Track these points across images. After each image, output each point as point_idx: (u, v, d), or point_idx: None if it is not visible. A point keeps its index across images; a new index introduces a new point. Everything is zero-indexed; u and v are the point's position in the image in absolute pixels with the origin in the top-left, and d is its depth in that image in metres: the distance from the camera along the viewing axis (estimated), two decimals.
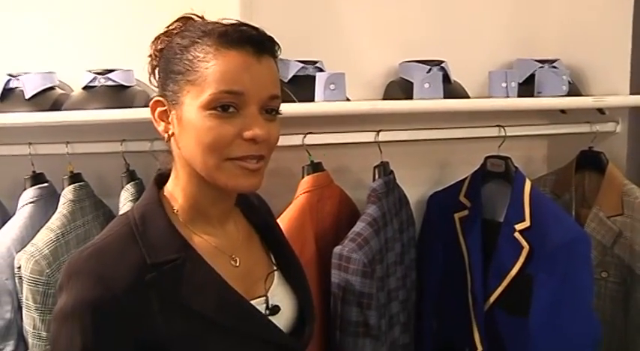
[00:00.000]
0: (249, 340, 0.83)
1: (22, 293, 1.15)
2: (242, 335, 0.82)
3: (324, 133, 1.40)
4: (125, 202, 1.28)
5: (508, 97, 1.44)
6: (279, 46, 0.84)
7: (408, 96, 1.45)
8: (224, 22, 0.82)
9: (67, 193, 1.28)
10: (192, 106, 0.79)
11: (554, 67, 1.54)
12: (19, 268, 1.14)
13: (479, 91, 1.61)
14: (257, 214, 1.01)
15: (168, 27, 0.87)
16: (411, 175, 1.57)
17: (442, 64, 1.50)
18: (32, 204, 1.30)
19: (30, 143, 1.33)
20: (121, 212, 1.26)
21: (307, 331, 0.93)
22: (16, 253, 1.19)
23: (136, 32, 1.43)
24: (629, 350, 1.43)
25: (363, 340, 1.18)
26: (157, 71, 0.87)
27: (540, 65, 1.54)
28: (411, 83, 1.46)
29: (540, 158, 1.80)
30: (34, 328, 1.14)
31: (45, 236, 1.17)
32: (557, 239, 1.30)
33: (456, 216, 1.53)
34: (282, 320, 0.90)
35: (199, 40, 0.80)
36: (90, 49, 1.46)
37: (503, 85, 1.44)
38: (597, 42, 1.59)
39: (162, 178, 0.90)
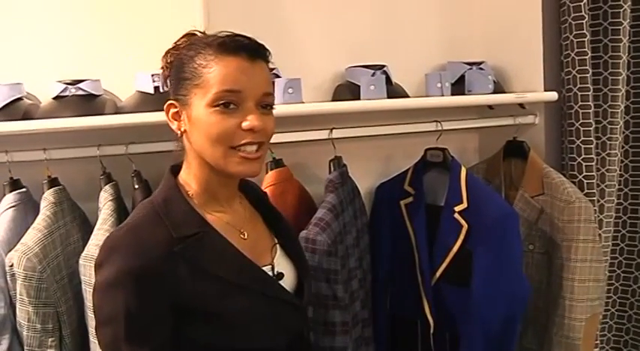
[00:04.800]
0: (261, 298, 0.99)
1: (14, 290, 1.24)
2: (256, 294, 0.98)
3: (282, 132, 1.54)
4: (105, 202, 1.37)
5: (443, 95, 1.64)
6: (270, 52, 1.00)
7: (355, 97, 1.61)
8: (221, 34, 0.97)
9: (48, 196, 1.36)
10: (199, 106, 0.95)
11: (481, 69, 1.75)
12: (11, 266, 1.22)
13: (416, 90, 1.81)
14: (258, 198, 1.18)
15: (175, 42, 1.03)
16: (360, 168, 1.72)
17: (384, 68, 1.67)
18: (13, 208, 1.36)
19: (7, 151, 1.40)
20: (102, 212, 1.36)
21: (306, 293, 1.10)
22: (4, 253, 1.27)
23: (99, 45, 1.55)
24: (552, 309, 1.64)
25: (333, 312, 1.34)
26: (168, 80, 1.02)
27: (469, 67, 1.75)
28: (358, 86, 1.62)
29: (472, 149, 2.02)
30: (29, 321, 1.23)
31: (34, 236, 1.26)
32: (491, 216, 1.49)
33: (402, 203, 1.69)
34: (286, 285, 1.06)
35: (202, 51, 0.96)
36: (52, 61, 1.53)
37: (438, 85, 1.64)
38: (515, 46, 1.83)
39: (175, 169, 1.06)
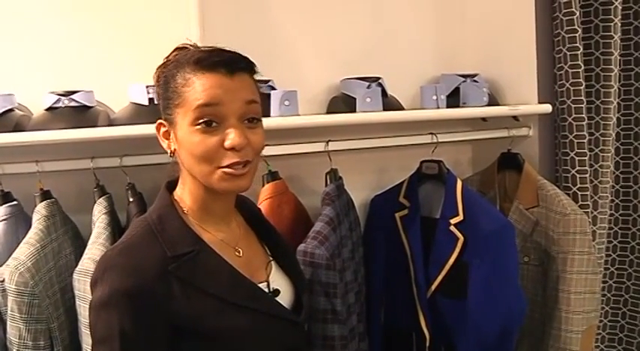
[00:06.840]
0: (257, 316, 0.97)
1: (5, 305, 1.20)
2: (252, 312, 0.96)
3: (278, 144, 1.53)
4: (99, 215, 1.34)
5: (438, 108, 1.64)
6: (254, 64, 0.97)
7: (351, 109, 1.61)
8: (201, 49, 0.95)
9: (41, 209, 1.33)
10: (183, 125, 0.93)
11: (475, 81, 1.76)
12: (2, 281, 1.19)
13: (410, 103, 1.82)
14: (252, 214, 1.16)
15: (166, 57, 1.01)
16: (354, 180, 1.71)
17: (379, 80, 1.67)
18: (4, 222, 1.34)
19: None
20: (95, 226, 1.34)
21: (304, 308, 1.09)
22: None
23: (92, 56, 1.53)
24: (547, 321, 1.64)
25: (331, 326, 1.33)
26: (160, 97, 1.01)
27: (463, 79, 1.75)
28: (353, 98, 1.62)
29: (466, 161, 2.03)
30: (19, 338, 1.19)
31: (26, 250, 1.23)
32: (487, 229, 1.49)
33: (397, 215, 1.68)
34: (283, 301, 1.04)
35: (181, 69, 0.94)
36: (45, 71, 1.51)
37: (434, 97, 1.64)
38: (509, 59, 1.84)
39: (171, 185, 1.03)
